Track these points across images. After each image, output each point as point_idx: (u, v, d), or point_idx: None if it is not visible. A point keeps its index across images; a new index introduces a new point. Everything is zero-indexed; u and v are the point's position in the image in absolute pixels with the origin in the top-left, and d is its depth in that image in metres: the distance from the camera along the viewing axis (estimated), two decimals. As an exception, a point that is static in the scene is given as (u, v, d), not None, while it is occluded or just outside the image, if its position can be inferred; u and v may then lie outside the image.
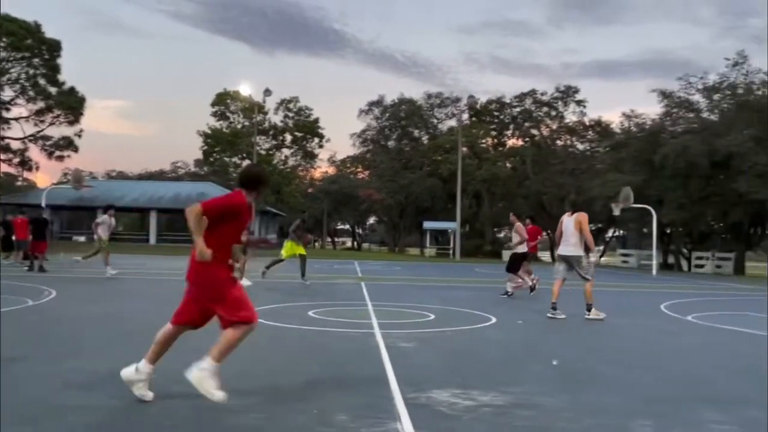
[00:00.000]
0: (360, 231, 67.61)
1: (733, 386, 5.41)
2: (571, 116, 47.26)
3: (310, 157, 54.43)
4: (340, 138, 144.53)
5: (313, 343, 6.83)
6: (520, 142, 48.91)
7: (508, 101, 48.33)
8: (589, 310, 9.52)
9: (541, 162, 46.18)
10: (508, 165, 47.43)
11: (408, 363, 5.78)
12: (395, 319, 8.64)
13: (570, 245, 9.66)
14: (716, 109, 35.47)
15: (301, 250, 14.61)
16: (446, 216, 42.57)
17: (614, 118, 49.92)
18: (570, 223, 9.71)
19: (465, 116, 49.05)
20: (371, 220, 65.33)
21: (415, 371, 5.40)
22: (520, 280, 12.76)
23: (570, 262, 9.67)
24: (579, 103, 46.70)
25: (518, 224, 12.81)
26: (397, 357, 5.97)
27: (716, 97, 35.07)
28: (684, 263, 39.59)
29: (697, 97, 35.96)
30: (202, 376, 3.96)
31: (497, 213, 47.05)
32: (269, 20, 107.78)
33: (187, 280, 4.17)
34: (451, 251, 40.19)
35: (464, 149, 42.50)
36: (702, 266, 32.87)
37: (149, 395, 4.16)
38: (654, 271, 27.98)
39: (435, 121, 51.87)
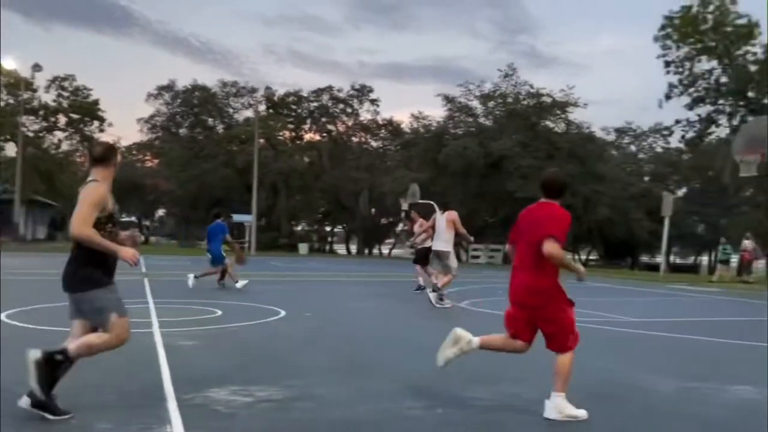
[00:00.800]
0: (148, 223, 63.37)
1: (495, 366, 5.96)
2: (365, 114, 49.07)
3: (89, 141, 49.59)
4: (126, 123, 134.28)
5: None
6: (317, 137, 49.52)
7: (305, 95, 48.65)
8: (441, 299, 10.26)
9: (338, 157, 47.32)
10: (305, 158, 47.80)
11: (186, 362, 5.50)
12: (179, 317, 8.19)
13: (442, 241, 10.42)
14: (491, 115, 39.21)
15: None
16: (242, 208, 41.64)
17: (405, 119, 52.91)
18: (442, 220, 10.51)
19: (262, 107, 48.42)
20: (160, 211, 61.61)
21: (193, 371, 5.15)
22: (432, 272, 12.74)
23: (440, 256, 10.48)
24: (373, 102, 48.63)
25: (421, 219, 13.13)
26: (176, 357, 5.64)
27: (491, 104, 38.78)
28: (463, 255, 43.32)
29: (475, 103, 39.43)
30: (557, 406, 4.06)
31: (294, 206, 47.25)
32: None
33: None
34: (246, 244, 39.49)
35: (261, 141, 41.95)
36: (478, 257, 36.14)
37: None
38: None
39: (230, 110, 50.37)
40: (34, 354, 3.60)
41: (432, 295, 10.37)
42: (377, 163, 46.88)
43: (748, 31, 29.26)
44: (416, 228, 12.29)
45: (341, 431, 3.79)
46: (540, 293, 4.13)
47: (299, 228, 51.43)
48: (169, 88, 48.63)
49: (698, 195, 47.03)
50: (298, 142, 49.74)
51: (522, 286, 4.21)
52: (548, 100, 36.88)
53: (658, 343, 7.75)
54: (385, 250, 62.72)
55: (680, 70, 30.93)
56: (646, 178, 48.13)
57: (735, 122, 29.89)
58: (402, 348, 6.70)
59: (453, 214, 10.56)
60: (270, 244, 41.22)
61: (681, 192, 47.91)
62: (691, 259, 54.22)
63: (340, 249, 63.46)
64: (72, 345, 3.73)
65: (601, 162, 38.31)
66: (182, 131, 50.37)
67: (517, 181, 33.83)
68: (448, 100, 39.30)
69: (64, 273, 3.82)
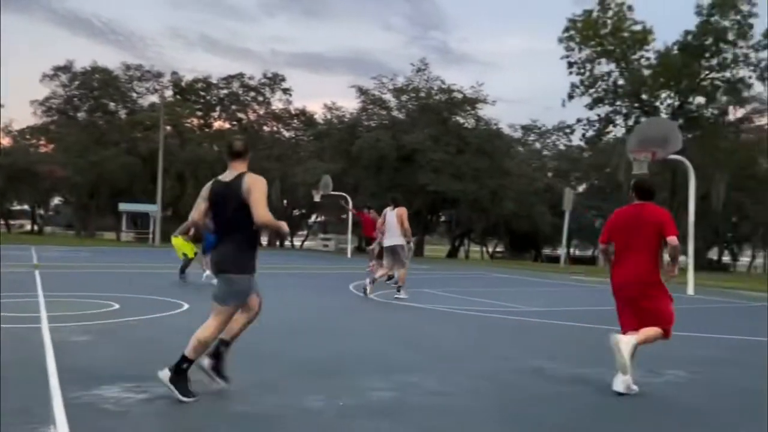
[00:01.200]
0: (42, 212, 59.55)
1: (397, 355, 6.05)
2: (277, 103, 48.27)
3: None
4: (19, 105, 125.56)
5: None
6: (227, 125, 48.25)
7: (215, 82, 47.27)
8: (399, 290, 10.74)
9: (249, 146, 46.35)
10: (214, 147, 46.44)
11: (76, 359, 5.21)
12: (72, 311, 7.75)
13: (394, 236, 10.82)
14: (403, 109, 39.69)
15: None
16: (147, 198, 39.94)
17: (318, 109, 52.70)
18: (392, 216, 10.89)
19: (168, 93, 46.60)
20: (56, 200, 58.04)
21: (83, 368, 4.88)
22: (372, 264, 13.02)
23: (394, 250, 10.81)
24: (285, 91, 47.90)
25: (378, 217, 12.79)
26: (65, 353, 5.34)
27: (404, 98, 39.24)
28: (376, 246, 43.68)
29: (388, 96, 39.76)
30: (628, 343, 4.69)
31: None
32: None
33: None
34: (150, 236, 37.95)
35: (167, 128, 40.38)
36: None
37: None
38: (349, 254, 30.23)
39: (134, 95, 48.11)
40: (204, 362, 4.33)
41: (369, 286, 10.87)
42: (289, 154, 46.32)
43: (643, 37, 31.15)
44: (378, 225, 12.21)
45: (239, 426, 3.72)
46: (653, 285, 4.88)
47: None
48: (66, 69, 45.82)
49: (597, 191, 49.72)
50: (207, 129, 48.26)
51: (636, 278, 4.88)
52: (459, 96, 37.75)
53: (555, 331, 8.13)
54: (297, 242, 62.21)
55: (582, 71, 32.52)
56: (550, 174, 50.33)
57: (630, 122, 31.77)
58: (307, 340, 6.66)
59: (402, 210, 11.01)
60: (176, 235, 39.79)
61: (581, 188, 50.49)
62: (589, 252, 57.22)
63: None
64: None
65: (508, 158, 39.71)
66: (81, 115, 47.62)
67: (429, 174, 34.44)
68: (362, 92, 39.42)
69: (223, 256, 4.21)
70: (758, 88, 31.23)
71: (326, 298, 10.85)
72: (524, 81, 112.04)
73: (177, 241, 13.09)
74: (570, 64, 32.45)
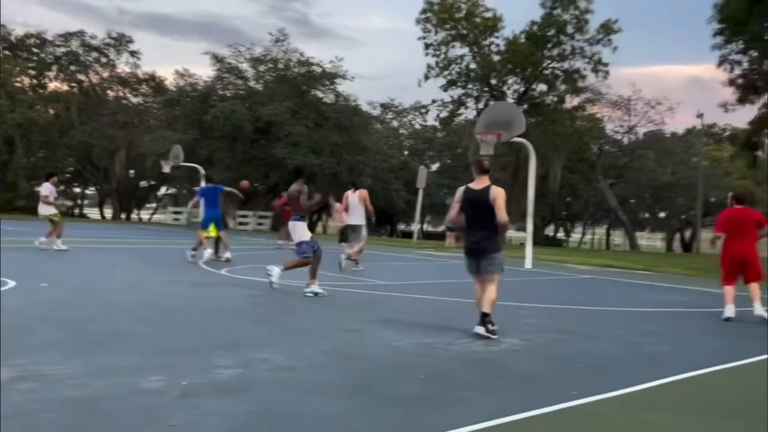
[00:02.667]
0: None
1: (246, 332, 5.91)
2: (123, 66, 44.85)
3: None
4: None
5: None
6: (65, 87, 44.03)
7: (50, 39, 42.85)
8: (357, 264, 12.05)
9: (90, 111, 42.74)
10: (50, 110, 42.27)
11: None
12: None
13: (356, 215, 12.04)
14: (261, 80, 38.61)
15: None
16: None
17: (169, 75, 49.67)
18: (355, 198, 12.10)
19: (-5, 48, 41.54)
20: None
21: None
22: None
23: (356, 228, 12.02)
24: (133, 54, 44.56)
25: (337, 203, 13.12)
26: None
27: (261, 68, 38.16)
28: (231, 222, 42.40)
29: (245, 66, 38.45)
30: None
31: (35, 164, 41.66)
32: None
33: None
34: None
35: (-7, 86, 36.09)
36: (246, 224, 35.60)
37: None
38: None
39: (-47, 48, 42.37)
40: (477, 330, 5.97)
41: (345, 261, 11.95)
42: (136, 121, 43.41)
43: (493, 24, 32.73)
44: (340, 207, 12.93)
45: (69, 412, 3.42)
46: (753, 254, 8.05)
47: (40, 189, 45.70)
48: None
49: (449, 170, 52.00)
50: (41, 90, 43.72)
51: (744, 252, 8.00)
52: (318, 70, 37.43)
53: (404, 303, 8.39)
54: (145, 216, 58.82)
55: (437, 53, 33.53)
56: (406, 152, 51.76)
57: (480, 105, 33.41)
58: (150, 319, 6.30)
59: (364, 193, 12.33)
60: (4, 207, 36.01)
61: (435, 166, 52.54)
62: (441, 228, 59.86)
63: (93, 213, 57.98)
64: (485, 305, 6.01)
65: (366, 134, 40.18)
66: None
67: (288, 148, 33.96)
68: (217, 59, 37.81)
69: (483, 242, 6.04)
70: (591, 79, 34.21)
71: (174, 275, 10.35)
72: (384, 59, 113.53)
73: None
74: (426, 46, 33.35)
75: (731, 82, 23.98)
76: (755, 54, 22.81)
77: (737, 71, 23.73)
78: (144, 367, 4.32)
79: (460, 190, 6.23)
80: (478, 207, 6.02)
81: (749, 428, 3.80)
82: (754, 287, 7.99)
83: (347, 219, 12.30)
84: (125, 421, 3.33)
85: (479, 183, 6.10)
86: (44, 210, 13.68)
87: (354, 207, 12.15)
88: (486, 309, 5.96)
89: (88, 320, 5.94)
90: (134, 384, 3.93)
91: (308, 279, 8.36)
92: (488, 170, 6.19)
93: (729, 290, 8.00)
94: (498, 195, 5.96)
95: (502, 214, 5.90)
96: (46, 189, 13.91)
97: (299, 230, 8.59)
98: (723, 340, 6.75)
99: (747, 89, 23.61)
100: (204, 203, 12.97)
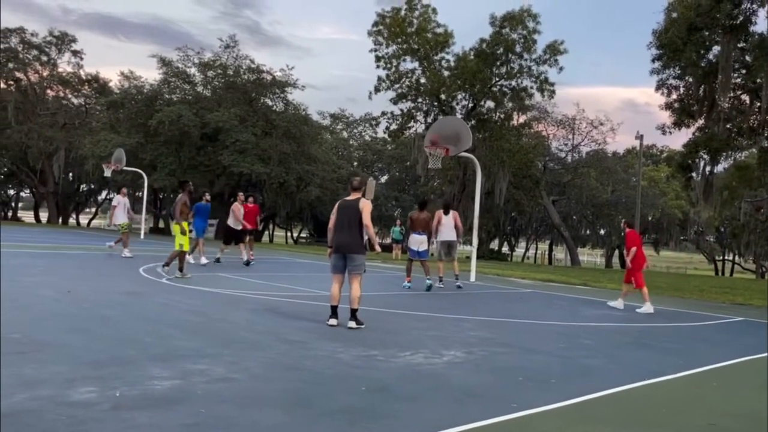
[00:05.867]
0: None
1: (184, 342, 5.75)
2: (65, 66, 43.41)
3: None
4: None
5: None
6: (2, 84, 42.27)
7: (-12, 34, 41.07)
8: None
9: (27, 111, 41.15)
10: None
11: None
12: None
13: (450, 233, 12.94)
14: (209, 85, 38.03)
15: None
16: None
17: (113, 77, 48.32)
18: (449, 218, 12.90)
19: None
20: None
21: None
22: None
23: (451, 245, 13.07)
24: (75, 53, 43.22)
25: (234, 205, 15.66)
26: None
27: (210, 73, 37.60)
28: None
29: (193, 71, 37.80)
30: None
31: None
32: None
33: None
34: None
35: None
36: (190, 231, 34.78)
37: None
38: (142, 235, 28.31)
39: None
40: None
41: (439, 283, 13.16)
42: (77, 123, 42.03)
43: (444, 40, 33.19)
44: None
45: (-13, 426, 3.23)
46: None
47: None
48: None
49: (398, 182, 52.30)
50: (-24, 87, 41.86)
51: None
52: (268, 77, 37.14)
53: (347, 314, 8.32)
54: (84, 220, 56.86)
55: (388, 66, 33.74)
56: (355, 163, 51.80)
57: (429, 119, 33.75)
58: (82, 327, 6.06)
59: (456, 213, 13.33)
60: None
61: (384, 178, 52.76)
62: (387, 240, 60.00)
63: (28, 216, 55.67)
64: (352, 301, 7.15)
65: (315, 144, 40.00)
66: None
67: (235, 155, 33.48)
68: (165, 63, 37.06)
69: (350, 241, 7.22)
70: (537, 97, 35.08)
71: (112, 282, 10.01)
72: (335, 70, 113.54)
73: (177, 229, 11.71)
74: (378, 58, 33.52)
75: (668, 106, 25.00)
76: (690, 80, 23.87)
77: (674, 95, 24.75)
78: (73, 378, 4.14)
79: (338, 202, 7.46)
80: (348, 211, 7.22)
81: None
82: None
83: (441, 236, 13.07)
84: (50, 434, 3.17)
85: (352, 196, 7.38)
86: None
87: (447, 225, 12.97)
88: (355, 305, 7.14)
89: (14, 329, 5.67)
90: (62, 395, 3.76)
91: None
92: (359, 188, 7.41)
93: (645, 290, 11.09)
94: (365, 205, 7.22)
95: (366, 217, 7.16)
96: None
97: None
98: (654, 353, 6.97)
99: (683, 113, 24.66)
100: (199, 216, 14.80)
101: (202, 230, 15.01)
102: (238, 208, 15.58)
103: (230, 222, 15.65)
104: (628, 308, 11.24)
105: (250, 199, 16.23)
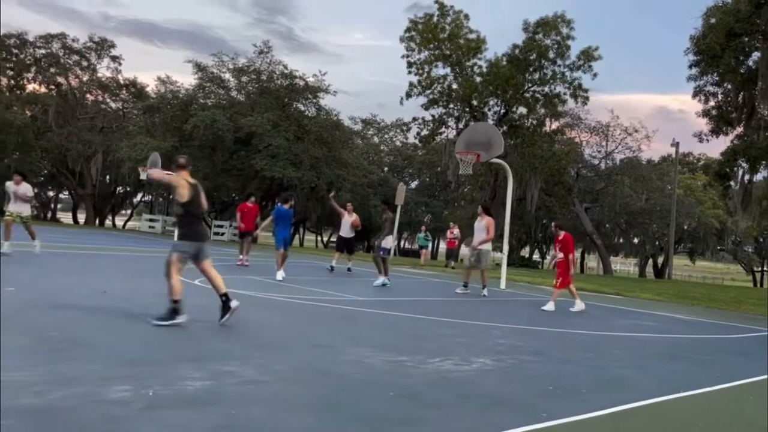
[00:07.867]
0: None
1: (216, 344, 5.83)
2: (104, 71, 44.47)
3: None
4: None
5: None
6: (43, 89, 43.50)
7: (31, 40, 42.35)
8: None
9: (67, 115, 42.23)
10: (27, 112, 41.68)
11: None
12: None
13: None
14: (243, 90, 38.50)
15: None
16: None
17: (150, 82, 49.23)
18: (481, 223, 13.17)
19: (-27, 47, 40.91)
20: None
21: None
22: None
23: (481, 252, 13.05)
24: (114, 59, 44.26)
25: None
26: None
27: (244, 79, 38.07)
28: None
29: (228, 76, 38.33)
30: None
31: (9, 165, 40.94)
32: None
33: None
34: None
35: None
36: (222, 234, 35.29)
37: None
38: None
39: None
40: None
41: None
42: (114, 127, 42.97)
43: (477, 46, 33.09)
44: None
45: (27, 420, 3.32)
46: None
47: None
48: None
49: (427, 188, 52.22)
50: (18, 92, 43.15)
51: None
52: (301, 83, 37.46)
53: (378, 320, 8.35)
54: (120, 222, 58.04)
55: (420, 72, 33.75)
56: (386, 169, 51.91)
57: (461, 125, 33.64)
58: (120, 329, 6.19)
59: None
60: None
61: (414, 184, 52.73)
62: (415, 246, 59.84)
63: (66, 218, 57.05)
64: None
65: (346, 149, 40.19)
66: None
67: (267, 159, 33.83)
68: (200, 68, 37.65)
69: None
70: (571, 104, 34.72)
71: (143, 283, 10.19)
72: (367, 76, 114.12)
73: None
74: (410, 64, 33.56)
75: (705, 113, 24.51)
76: (729, 86, 23.36)
77: (712, 102, 24.26)
78: (108, 377, 4.23)
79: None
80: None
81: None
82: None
83: (476, 243, 13.14)
84: (85, 431, 3.25)
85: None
86: (23, 209, 13.24)
87: (478, 231, 13.16)
88: (224, 289, 6.95)
89: (52, 327, 5.81)
90: (97, 393, 3.85)
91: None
92: (184, 165, 7.01)
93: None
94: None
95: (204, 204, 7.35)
96: (29, 189, 13.51)
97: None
98: (688, 365, 6.82)
99: (721, 120, 24.14)
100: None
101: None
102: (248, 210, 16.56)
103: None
104: (659, 318, 11.02)
105: (252, 198, 16.14)
